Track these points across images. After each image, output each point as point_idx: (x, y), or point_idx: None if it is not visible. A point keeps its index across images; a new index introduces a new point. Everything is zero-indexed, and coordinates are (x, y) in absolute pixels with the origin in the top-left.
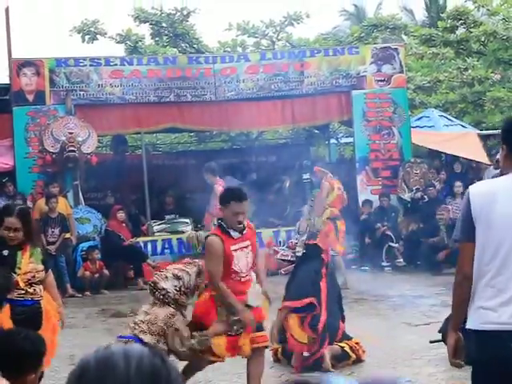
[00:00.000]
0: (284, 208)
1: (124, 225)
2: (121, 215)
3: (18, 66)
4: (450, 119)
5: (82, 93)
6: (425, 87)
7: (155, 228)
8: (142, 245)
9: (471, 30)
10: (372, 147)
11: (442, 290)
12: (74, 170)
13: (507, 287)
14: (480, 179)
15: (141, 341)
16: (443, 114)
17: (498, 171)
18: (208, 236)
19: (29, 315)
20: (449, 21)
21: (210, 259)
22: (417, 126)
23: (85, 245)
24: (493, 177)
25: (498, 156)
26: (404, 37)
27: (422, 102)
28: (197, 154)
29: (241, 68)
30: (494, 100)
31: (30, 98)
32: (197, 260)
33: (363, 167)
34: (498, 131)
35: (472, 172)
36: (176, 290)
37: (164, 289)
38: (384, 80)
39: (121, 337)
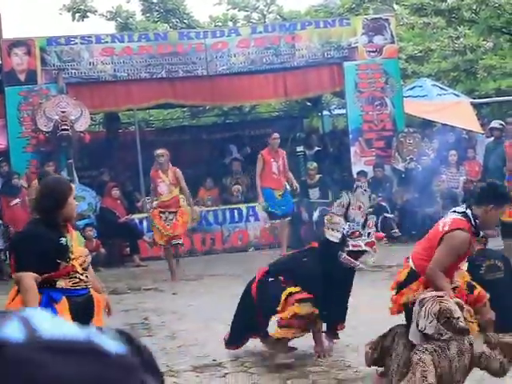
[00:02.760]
0: None
1: (119, 202)
2: (115, 192)
3: (9, 46)
4: (442, 88)
5: (73, 71)
6: (417, 57)
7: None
8: (137, 221)
9: None
10: (365, 118)
11: None
12: (67, 148)
13: None
14: (473, 148)
15: None
16: (436, 83)
17: (491, 139)
18: (458, 229)
19: (84, 306)
20: None
21: (448, 252)
22: (409, 96)
23: (80, 223)
24: (486, 146)
25: (491, 124)
26: (395, 6)
27: (414, 72)
28: (190, 130)
29: (232, 42)
30: (487, 68)
31: (22, 77)
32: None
33: (356, 138)
34: (491, 99)
35: (465, 141)
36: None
37: (458, 317)
38: (375, 51)
39: None
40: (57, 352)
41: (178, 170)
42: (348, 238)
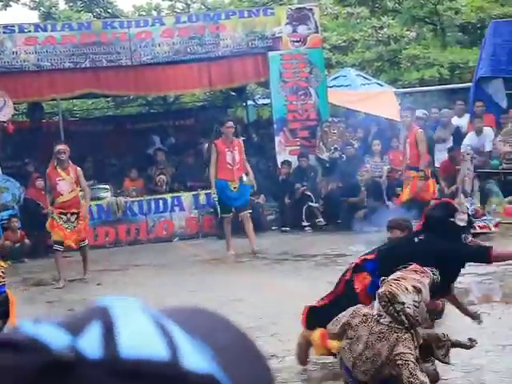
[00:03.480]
0: (203, 171)
1: (43, 192)
2: (40, 183)
3: None
4: (366, 78)
5: None
6: (341, 47)
7: None
8: None
9: None
10: (289, 108)
11: (362, 249)
12: None
13: None
14: (396, 137)
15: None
16: (360, 72)
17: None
18: None
19: (4, 304)
20: None
21: None
22: (333, 86)
23: (4, 214)
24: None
25: (416, 114)
26: None
27: (338, 62)
28: (114, 119)
29: (156, 32)
30: (410, 58)
31: None
32: (428, 270)
33: (281, 128)
34: (415, 89)
35: (388, 130)
36: (415, 306)
37: (403, 302)
38: (300, 41)
39: None
40: (139, 380)
41: (78, 168)
42: (473, 219)
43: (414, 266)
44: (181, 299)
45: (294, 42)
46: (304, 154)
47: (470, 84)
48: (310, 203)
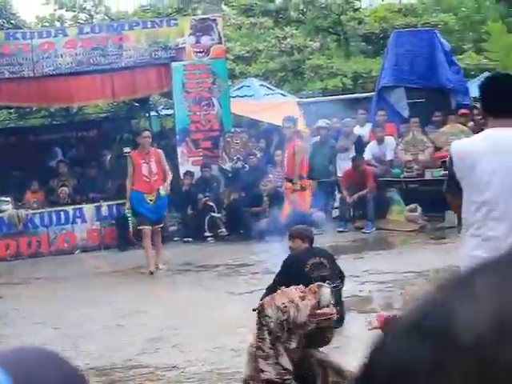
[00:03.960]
0: (106, 182)
1: None
2: None
3: None
4: (270, 88)
5: None
6: (244, 57)
7: None
8: None
9: None
10: (192, 118)
11: (264, 258)
12: None
13: (490, 237)
14: None
15: None
16: (263, 83)
17: (317, 138)
18: None
19: None
20: None
21: None
22: (237, 96)
23: None
24: (312, 145)
25: (318, 123)
26: (224, 7)
27: (241, 72)
28: (16, 131)
29: (59, 43)
30: (314, 68)
31: None
32: (324, 290)
33: (184, 139)
34: (318, 98)
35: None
36: (278, 322)
37: (268, 316)
38: (203, 51)
39: None
40: None
41: None
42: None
43: (315, 286)
44: (83, 312)
45: (197, 52)
46: (207, 164)
47: (372, 93)
48: (213, 214)
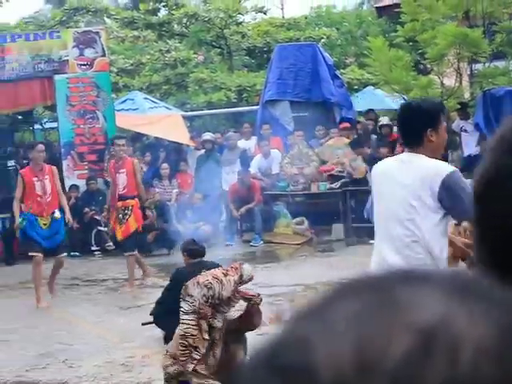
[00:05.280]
0: None
1: None
2: None
3: None
4: (154, 101)
5: None
6: (128, 70)
7: None
8: None
9: (173, 12)
10: (77, 132)
11: (155, 271)
12: None
13: (385, 255)
14: (184, 160)
15: None
16: (147, 96)
17: (202, 151)
18: None
19: None
20: (150, 3)
21: None
22: (122, 109)
23: None
24: (197, 158)
25: (203, 137)
26: (107, 20)
27: (125, 85)
28: None
29: None
30: (198, 81)
31: None
32: (245, 266)
33: (68, 152)
34: (202, 112)
35: (176, 153)
36: (203, 299)
37: (191, 296)
38: (87, 64)
39: None
40: None
41: None
42: None
43: (237, 263)
44: None
45: (81, 65)
46: (92, 177)
47: (257, 107)
48: (99, 227)
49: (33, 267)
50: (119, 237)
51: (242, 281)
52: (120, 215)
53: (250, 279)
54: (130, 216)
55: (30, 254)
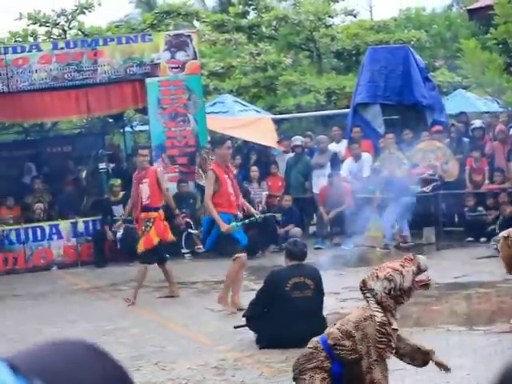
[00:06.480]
0: (81, 199)
1: None
2: None
3: None
4: (243, 104)
5: None
6: (218, 73)
7: None
8: None
9: (262, 14)
10: (168, 134)
11: (244, 275)
12: None
13: None
14: (275, 163)
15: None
16: (237, 99)
17: (292, 155)
18: None
19: None
20: (240, 6)
21: None
22: (211, 112)
23: None
24: (287, 161)
25: (293, 141)
26: (196, 23)
27: (215, 88)
28: None
29: (33, 58)
30: (287, 84)
31: None
32: (419, 256)
33: (159, 155)
34: (291, 115)
35: (266, 156)
36: (385, 292)
37: (372, 289)
38: (178, 67)
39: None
40: None
41: None
42: None
43: (409, 255)
44: (60, 329)
45: (172, 68)
46: (183, 180)
47: (346, 110)
48: (190, 230)
49: (235, 269)
50: (139, 248)
51: (420, 270)
52: (143, 227)
53: (426, 269)
54: (150, 228)
55: (235, 255)
